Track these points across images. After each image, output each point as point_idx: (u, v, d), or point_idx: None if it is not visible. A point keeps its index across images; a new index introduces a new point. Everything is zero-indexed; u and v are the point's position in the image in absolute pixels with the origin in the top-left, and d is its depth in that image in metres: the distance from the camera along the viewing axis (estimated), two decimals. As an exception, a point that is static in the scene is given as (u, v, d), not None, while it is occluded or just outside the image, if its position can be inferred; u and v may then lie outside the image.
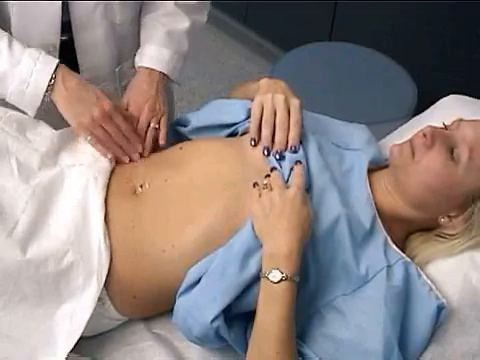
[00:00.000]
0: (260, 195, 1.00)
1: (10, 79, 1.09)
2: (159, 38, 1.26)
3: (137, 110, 1.20)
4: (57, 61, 1.13)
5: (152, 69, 1.24)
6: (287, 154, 1.07)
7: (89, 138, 1.12)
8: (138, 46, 1.31)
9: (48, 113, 1.17)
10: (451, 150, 1.03)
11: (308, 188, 1.03)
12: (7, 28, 1.15)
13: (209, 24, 1.33)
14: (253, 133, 1.09)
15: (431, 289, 1.01)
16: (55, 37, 1.19)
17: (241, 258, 0.96)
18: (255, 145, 1.09)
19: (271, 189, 0.99)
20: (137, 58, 1.28)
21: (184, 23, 1.29)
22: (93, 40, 1.24)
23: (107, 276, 1.04)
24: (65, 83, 1.12)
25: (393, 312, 0.97)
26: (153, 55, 1.25)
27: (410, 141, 1.07)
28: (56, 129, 1.17)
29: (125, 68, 1.34)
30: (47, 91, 1.11)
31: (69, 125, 1.16)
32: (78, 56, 1.25)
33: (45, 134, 1.15)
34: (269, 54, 2.84)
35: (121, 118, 1.15)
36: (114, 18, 1.25)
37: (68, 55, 1.23)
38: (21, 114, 1.16)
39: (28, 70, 1.09)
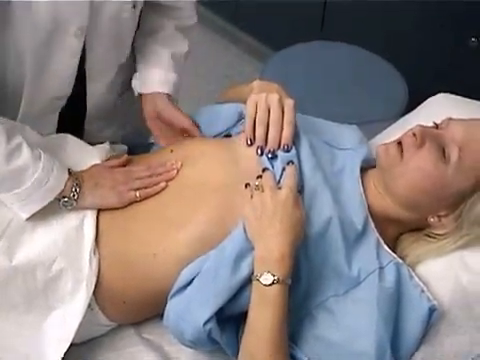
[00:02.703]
0: (252, 196, 0.99)
1: (30, 172, 1.01)
2: (165, 62, 1.27)
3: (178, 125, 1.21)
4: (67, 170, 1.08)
5: (164, 93, 1.25)
6: (279, 153, 1.06)
7: (138, 195, 1.09)
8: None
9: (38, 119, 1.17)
10: (440, 150, 1.03)
11: (300, 189, 1.03)
12: (21, 81, 1.14)
13: (199, 24, 1.34)
14: (249, 132, 1.09)
15: (423, 291, 1.01)
16: (68, 88, 1.19)
17: (233, 260, 0.95)
18: (251, 144, 1.09)
19: (263, 190, 0.99)
20: (137, 82, 1.28)
21: (184, 47, 1.31)
22: (103, 84, 1.25)
23: (96, 282, 1.03)
24: (83, 189, 1.07)
25: (385, 314, 0.96)
26: (162, 79, 1.26)
27: (398, 141, 1.07)
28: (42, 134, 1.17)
29: (124, 97, 1.35)
30: (68, 201, 1.05)
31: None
32: (88, 101, 1.25)
33: (32, 140, 1.14)
34: (260, 54, 2.84)
35: (128, 162, 1.17)
36: (123, 57, 1.25)
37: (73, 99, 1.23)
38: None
39: (49, 167, 1.03)
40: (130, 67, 1.31)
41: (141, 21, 1.27)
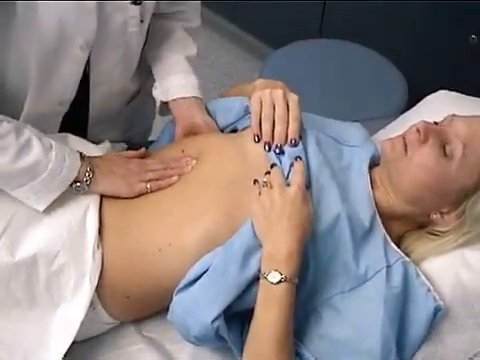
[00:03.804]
0: (260, 193, 0.99)
1: (43, 164, 1.01)
2: (182, 66, 1.28)
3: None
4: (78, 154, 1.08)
5: (192, 97, 1.24)
6: (287, 149, 1.06)
7: (148, 186, 1.09)
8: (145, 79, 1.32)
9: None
10: (444, 146, 1.03)
11: (308, 185, 1.03)
12: (23, 87, 1.14)
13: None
14: (255, 129, 1.09)
15: (429, 290, 1.01)
16: (71, 93, 1.19)
17: (242, 257, 0.95)
18: (258, 141, 1.09)
19: (271, 187, 0.98)
20: (158, 92, 1.27)
21: (194, 49, 1.32)
22: (107, 91, 1.25)
23: (99, 278, 1.02)
24: (96, 174, 1.07)
25: (392, 313, 0.96)
26: (186, 83, 1.26)
27: (402, 136, 1.07)
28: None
29: (131, 104, 1.36)
30: (81, 186, 1.05)
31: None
32: (91, 106, 1.26)
33: None
34: (259, 52, 2.84)
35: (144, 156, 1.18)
36: (131, 70, 1.26)
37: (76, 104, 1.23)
38: None
39: (61, 156, 1.03)
40: (139, 78, 1.32)
41: (151, 31, 1.27)
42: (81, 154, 1.07)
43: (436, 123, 1.08)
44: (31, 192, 1.01)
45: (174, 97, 1.25)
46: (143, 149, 1.20)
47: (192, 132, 1.22)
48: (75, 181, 1.04)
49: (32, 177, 1.00)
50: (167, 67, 1.29)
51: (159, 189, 1.09)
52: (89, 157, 1.08)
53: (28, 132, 1.02)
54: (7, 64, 1.11)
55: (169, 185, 1.09)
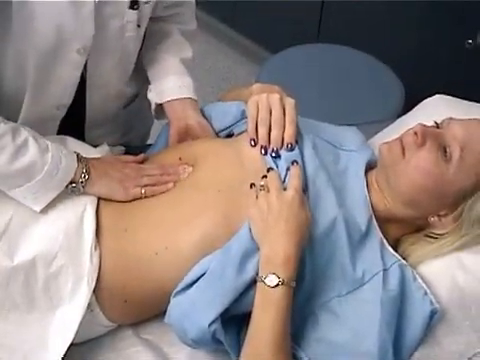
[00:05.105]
0: (257, 197, 0.99)
1: (39, 165, 1.02)
2: (177, 68, 1.28)
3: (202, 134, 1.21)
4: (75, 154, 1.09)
5: (185, 98, 1.25)
6: (283, 153, 1.07)
7: (143, 191, 1.09)
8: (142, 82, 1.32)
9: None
10: (441, 149, 1.03)
11: (304, 189, 1.03)
12: (21, 90, 1.15)
13: (196, 27, 1.36)
14: (252, 133, 1.10)
15: (426, 293, 1.01)
16: (69, 97, 1.20)
17: (239, 261, 0.96)
18: (255, 145, 1.09)
19: (268, 190, 0.99)
20: (153, 94, 1.28)
21: (189, 52, 1.33)
22: (104, 94, 1.26)
23: (97, 280, 1.03)
24: (91, 175, 1.07)
25: (388, 316, 0.97)
26: (180, 85, 1.26)
27: (400, 139, 1.07)
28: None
29: (129, 108, 1.37)
30: (76, 187, 1.06)
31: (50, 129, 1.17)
32: (87, 109, 1.26)
33: None
34: (257, 56, 2.84)
35: (142, 161, 1.18)
36: (127, 74, 1.26)
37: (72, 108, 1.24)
38: None
39: (57, 157, 1.04)
40: (137, 81, 1.33)
41: (147, 34, 1.28)
42: (78, 155, 1.07)
43: (436, 123, 1.09)
44: (28, 192, 1.02)
45: (168, 99, 1.25)
46: (142, 155, 1.20)
47: (186, 134, 1.22)
48: (71, 182, 1.05)
49: (28, 178, 1.01)
50: (162, 69, 1.29)
51: (154, 194, 1.09)
52: (86, 158, 1.09)
53: (25, 133, 1.03)
54: (4, 66, 1.12)
55: (164, 191, 1.09)
